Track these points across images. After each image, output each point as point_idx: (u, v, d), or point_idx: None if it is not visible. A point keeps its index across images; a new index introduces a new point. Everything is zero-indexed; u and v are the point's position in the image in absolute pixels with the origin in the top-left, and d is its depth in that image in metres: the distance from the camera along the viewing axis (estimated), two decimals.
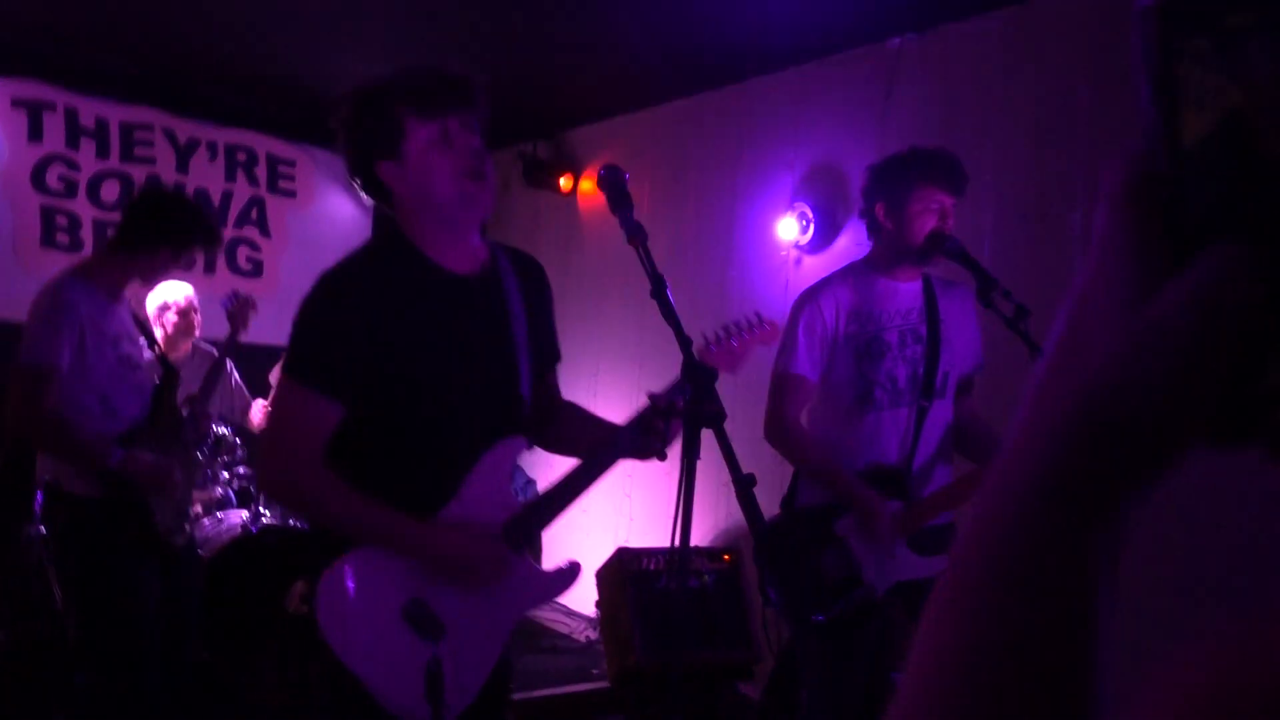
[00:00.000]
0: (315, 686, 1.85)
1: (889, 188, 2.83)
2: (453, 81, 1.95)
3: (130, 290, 3.27)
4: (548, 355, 2.24)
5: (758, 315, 2.30)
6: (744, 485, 1.61)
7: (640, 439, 2.00)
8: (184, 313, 4.12)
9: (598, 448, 2.04)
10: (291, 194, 6.32)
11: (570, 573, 2.15)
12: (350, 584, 1.88)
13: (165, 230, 3.14)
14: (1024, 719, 0.40)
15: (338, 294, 1.91)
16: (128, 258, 3.15)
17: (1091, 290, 0.43)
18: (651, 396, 2.02)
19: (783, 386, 2.87)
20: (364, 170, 2.00)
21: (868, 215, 2.91)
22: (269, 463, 1.96)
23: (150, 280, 3.28)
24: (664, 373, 5.53)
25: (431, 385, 1.93)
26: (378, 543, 1.90)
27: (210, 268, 5.98)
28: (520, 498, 6.58)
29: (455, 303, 1.99)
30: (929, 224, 2.79)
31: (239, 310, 3.85)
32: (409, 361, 1.91)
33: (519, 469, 6.55)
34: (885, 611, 2.75)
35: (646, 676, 3.90)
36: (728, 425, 1.72)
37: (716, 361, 2.10)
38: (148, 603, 3.07)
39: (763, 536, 1.64)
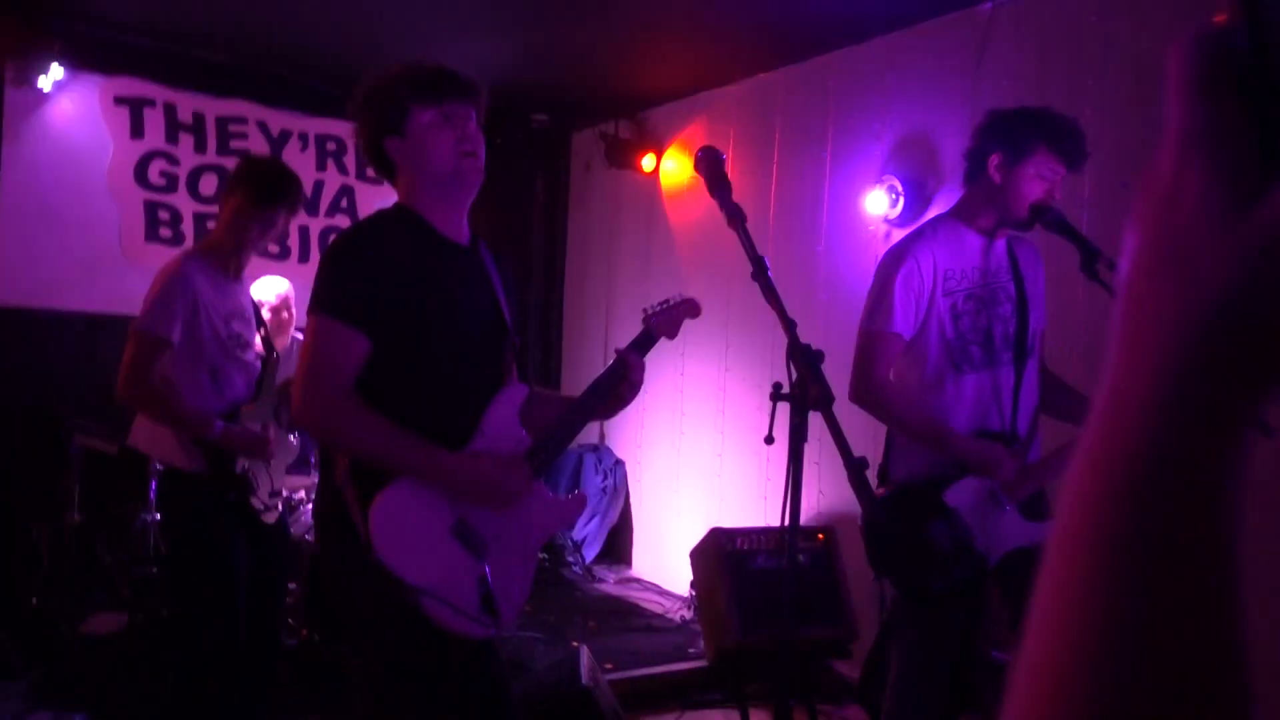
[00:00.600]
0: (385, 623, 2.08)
1: (1011, 141, 2.70)
2: (452, 74, 2.18)
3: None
4: (515, 322, 2.46)
5: (679, 295, 2.53)
6: (856, 469, 1.60)
7: (615, 385, 2.32)
8: (277, 310, 4.24)
9: (586, 396, 2.34)
10: (379, 181, 6.40)
11: (578, 500, 2.59)
12: (398, 510, 2.03)
13: (244, 179, 3.24)
14: (1180, 684, 0.37)
15: (359, 243, 2.16)
16: (222, 220, 3.27)
17: (1180, 193, 0.40)
18: (619, 351, 2.36)
19: (874, 344, 2.76)
20: (373, 147, 2.25)
21: (976, 160, 2.78)
22: (307, 395, 2.06)
23: (244, 242, 3.27)
24: (750, 352, 5.50)
25: (443, 328, 2.15)
26: (414, 471, 2.05)
27: (305, 257, 6.13)
28: (608, 479, 6.57)
29: (454, 263, 2.24)
30: (1037, 191, 2.69)
31: None
32: (423, 306, 2.12)
33: (607, 449, 6.60)
34: (1003, 582, 2.71)
35: (745, 655, 3.91)
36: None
37: (661, 329, 2.41)
38: (241, 576, 3.17)
39: (875, 516, 1.63)
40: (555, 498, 2.44)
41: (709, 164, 2.05)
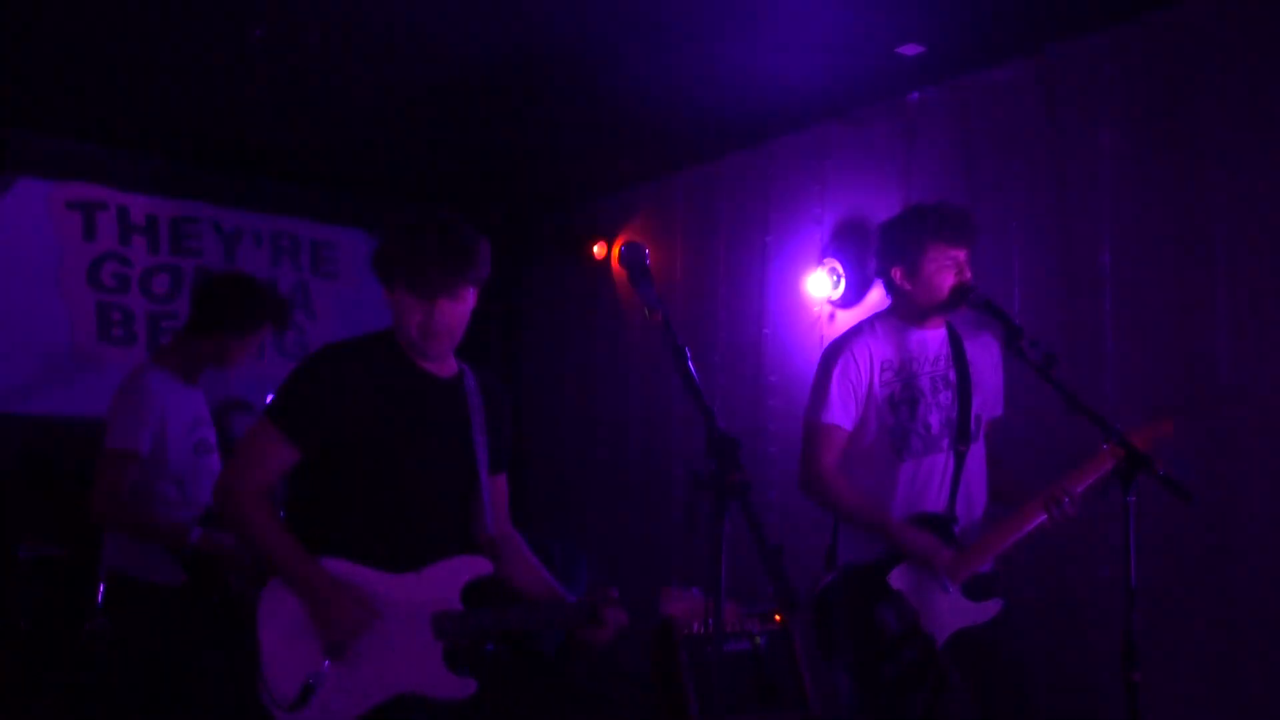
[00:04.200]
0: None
1: (900, 251, 2.87)
2: (447, 267, 2.24)
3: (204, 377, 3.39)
4: (501, 458, 2.50)
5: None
6: (769, 556, 1.63)
7: (584, 622, 2.33)
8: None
9: (543, 609, 2.39)
10: (334, 276, 6.50)
11: (467, 686, 2.25)
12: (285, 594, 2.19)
13: (233, 312, 3.26)
14: None
15: (325, 362, 2.29)
16: (200, 341, 3.28)
17: None
18: (601, 592, 2.34)
19: (817, 436, 2.87)
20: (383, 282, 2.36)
21: (884, 279, 2.95)
22: (223, 481, 2.26)
23: (223, 363, 3.33)
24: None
25: (391, 458, 2.24)
26: (283, 575, 2.19)
27: (260, 352, 6.13)
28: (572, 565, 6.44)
29: (425, 393, 2.33)
30: (948, 281, 2.82)
31: None
32: (371, 433, 2.23)
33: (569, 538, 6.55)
34: (941, 669, 2.72)
35: None
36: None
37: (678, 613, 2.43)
38: (208, 695, 3.12)
39: (795, 602, 1.66)
40: (444, 670, 2.24)
41: (630, 259, 2.11)
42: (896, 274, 2.89)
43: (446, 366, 2.41)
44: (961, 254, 2.83)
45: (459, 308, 2.30)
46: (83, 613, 4.37)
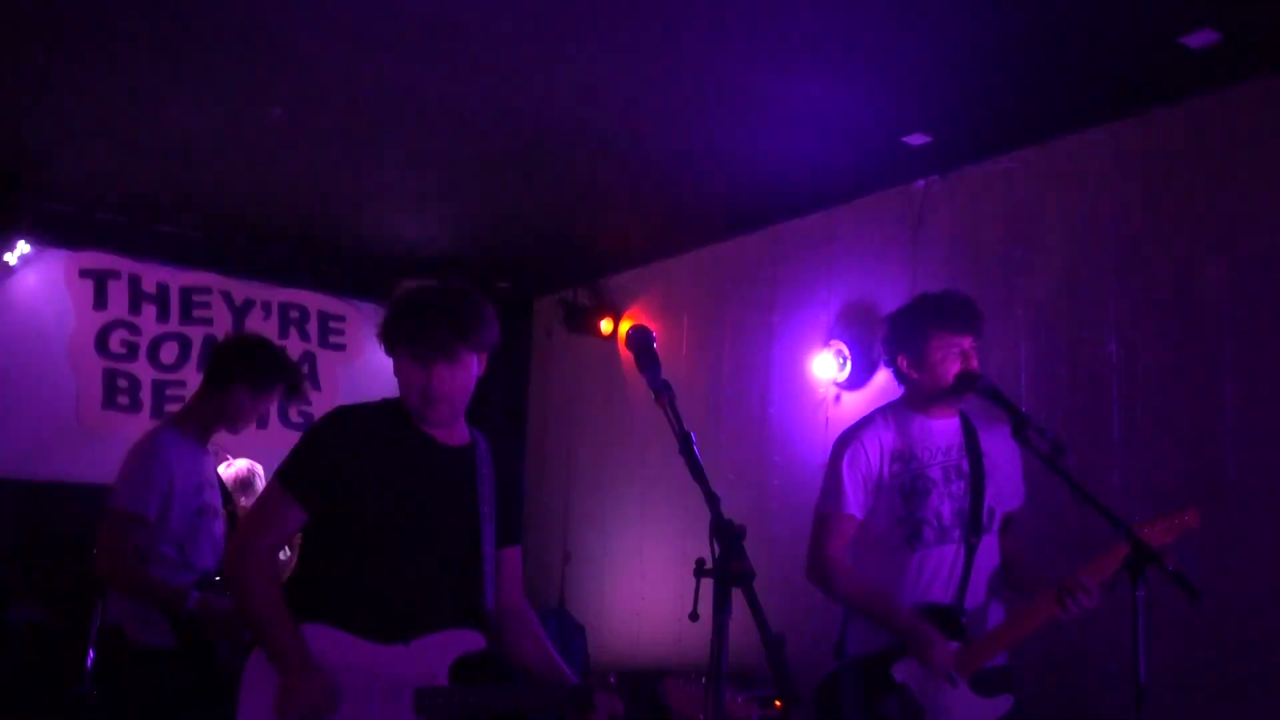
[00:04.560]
0: None
1: (906, 340, 2.88)
2: (444, 330, 2.23)
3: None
4: (512, 530, 2.43)
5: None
6: (773, 647, 1.61)
7: (577, 708, 2.24)
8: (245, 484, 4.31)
9: (534, 690, 2.32)
10: (341, 347, 6.53)
11: None
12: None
13: (246, 368, 3.29)
14: None
15: (334, 426, 2.30)
16: (214, 397, 3.30)
17: None
18: (598, 678, 2.29)
19: (827, 526, 2.85)
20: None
21: (893, 369, 2.96)
22: (234, 540, 2.31)
23: (235, 423, 3.34)
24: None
25: (394, 523, 2.22)
26: (260, 639, 2.17)
27: (264, 423, 6.13)
28: (568, 647, 6.35)
29: (430, 459, 2.30)
30: (953, 369, 2.82)
31: None
32: (376, 497, 2.22)
33: (566, 613, 6.47)
34: None
35: None
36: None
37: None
38: None
39: (795, 694, 1.63)
40: None
41: (638, 342, 2.12)
42: (903, 362, 2.90)
43: (456, 434, 2.38)
44: (967, 342, 2.84)
45: (459, 374, 2.27)
46: (68, 678, 4.31)
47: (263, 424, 6.01)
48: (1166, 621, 3.06)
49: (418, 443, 2.31)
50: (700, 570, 1.79)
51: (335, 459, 2.23)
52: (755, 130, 4.30)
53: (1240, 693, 3.34)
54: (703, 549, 1.80)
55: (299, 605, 2.20)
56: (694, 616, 1.79)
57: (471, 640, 2.25)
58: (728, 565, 1.73)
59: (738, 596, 1.72)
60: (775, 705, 4.26)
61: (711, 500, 1.84)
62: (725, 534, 1.77)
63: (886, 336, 2.96)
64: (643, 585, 5.97)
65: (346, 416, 2.32)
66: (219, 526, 3.34)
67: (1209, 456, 3.52)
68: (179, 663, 3.06)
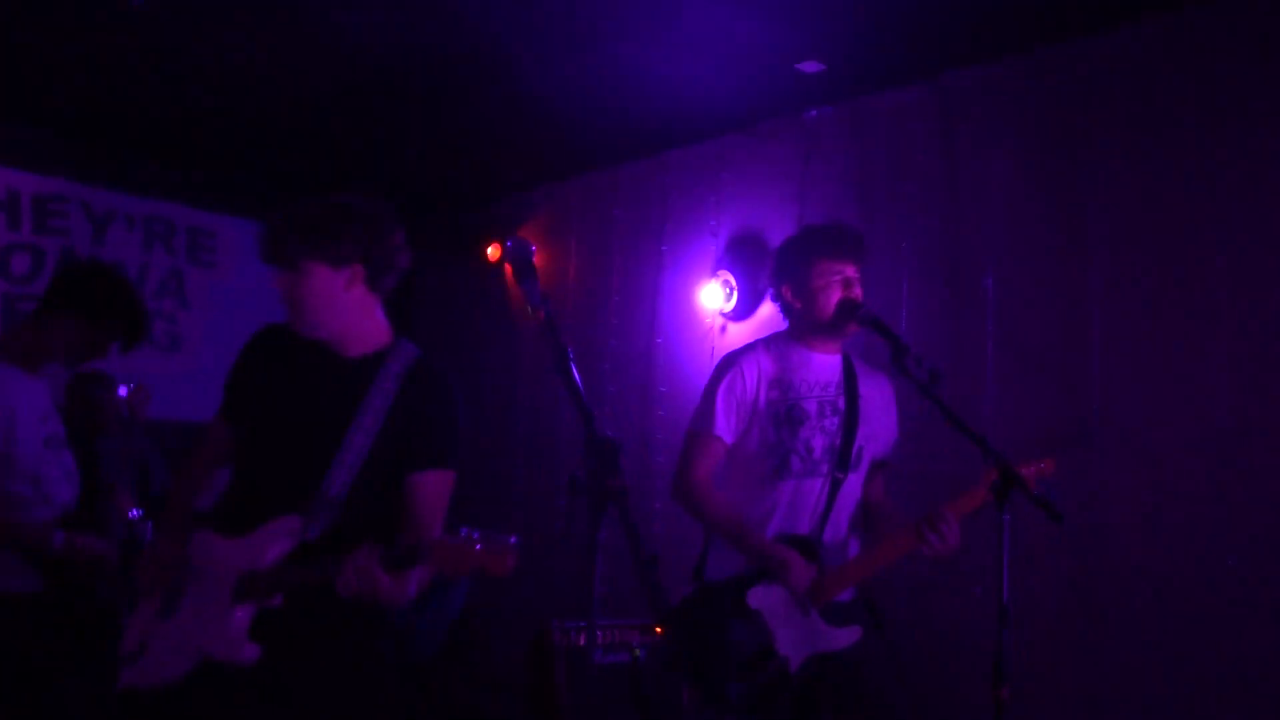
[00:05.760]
0: None
1: (790, 268, 2.89)
2: (273, 249, 2.31)
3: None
4: (416, 456, 2.27)
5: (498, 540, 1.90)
6: (644, 567, 1.58)
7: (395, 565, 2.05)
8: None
9: (339, 561, 2.18)
10: (212, 265, 6.22)
11: (249, 651, 2.12)
12: None
13: (81, 300, 2.93)
14: None
15: (248, 344, 2.44)
16: (42, 328, 2.95)
17: None
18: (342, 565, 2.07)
19: (696, 446, 2.86)
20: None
21: (778, 299, 2.96)
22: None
23: (69, 361, 3.02)
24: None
25: (263, 423, 2.32)
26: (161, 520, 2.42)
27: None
28: None
29: (312, 369, 2.32)
30: (834, 295, 2.82)
31: (136, 401, 3.79)
32: (258, 403, 2.33)
33: None
34: (803, 689, 2.70)
35: None
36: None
37: (444, 561, 1.89)
38: (68, 712, 2.89)
39: (667, 616, 1.61)
40: (239, 639, 2.13)
41: (516, 254, 2.04)
42: (787, 292, 2.90)
43: (359, 345, 2.32)
44: (849, 269, 2.84)
45: (302, 282, 2.26)
46: None
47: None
48: (1027, 547, 3.18)
49: (307, 354, 2.33)
50: (574, 487, 1.74)
51: (240, 375, 2.39)
52: (648, 51, 4.19)
53: (1100, 616, 3.50)
54: (573, 473, 1.74)
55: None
56: (565, 535, 1.75)
57: (288, 525, 2.16)
58: (602, 481, 1.69)
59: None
60: (655, 631, 4.31)
61: (586, 415, 1.79)
62: (600, 449, 1.72)
63: (774, 266, 2.96)
64: (521, 513, 5.93)
65: (260, 334, 2.43)
66: (68, 456, 3.04)
67: (1077, 391, 3.64)
68: (48, 608, 2.84)
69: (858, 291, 2.84)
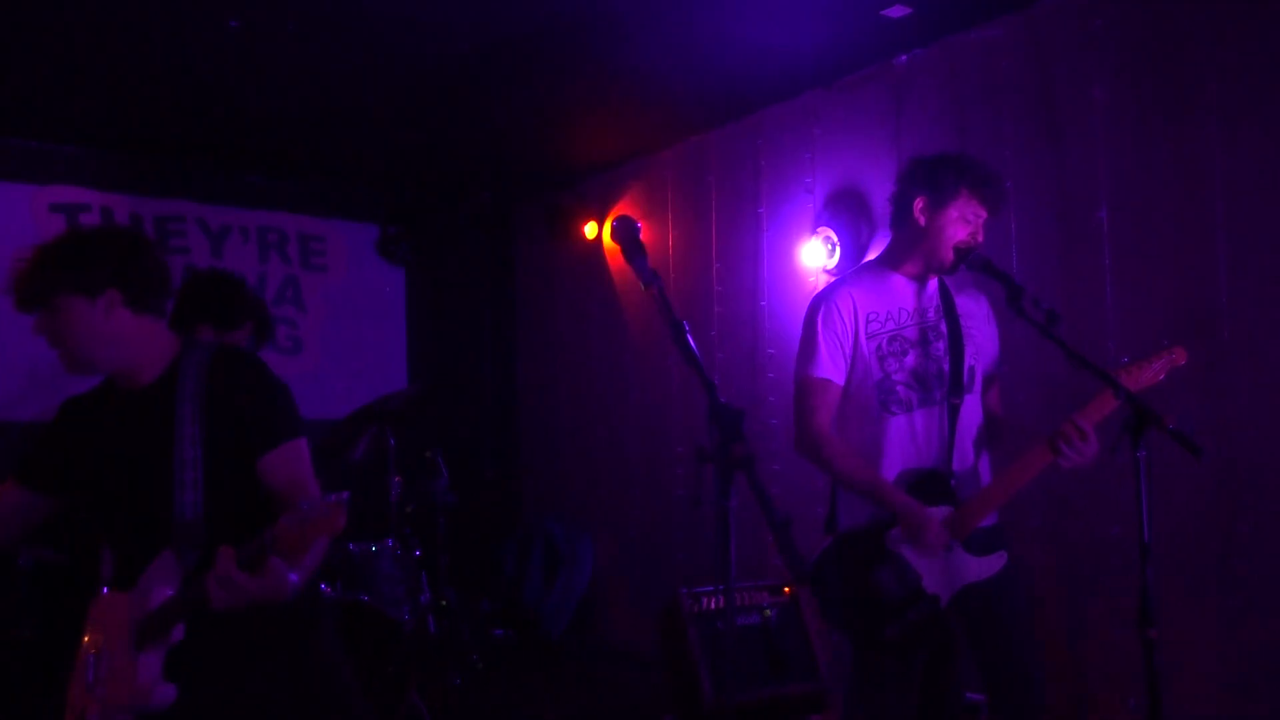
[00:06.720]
0: None
1: (934, 185, 2.74)
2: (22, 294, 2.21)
3: None
4: (255, 439, 2.18)
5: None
6: (779, 530, 1.60)
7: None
8: None
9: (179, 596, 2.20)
10: (324, 269, 6.44)
11: (166, 694, 2.04)
12: None
13: (210, 308, 3.14)
14: None
15: (47, 426, 2.37)
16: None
17: None
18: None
19: (807, 393, 2.78)
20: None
21: (901, 205, 2.82)
22: None
23: None
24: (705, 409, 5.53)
25: (101, 479, 2.25)
26: None
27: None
28: (569, 547, 6.31)
29: (117, 411, 2.27)
30: (961, 233, 2.73)
31: None
32: (85, 464, 2.27)
33: (568, 519, 6.52)
34: (946, 628, 2.68)
35: (717, 717, 3.86)
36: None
37: (287, 541, 1.78)
38: None
39: (807, 575, 1.63)
40: (158, 684, 2.05)
41: (623, 233, 2.07)
42: (918, 203, 2.75)
43: (149, 370, 2.25)
44: (984, 215, 2.76)
45: (58, 317, 2.17)
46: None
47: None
48: (1163, 483, 3.08)
49: (109, 399, 2.30)
50: (701, 456, 1.77)
51: (44, 448, 2.33)
52: (731, 13, 4.16)
53: (1243, 548, 3.39)
54: (699, 442, 1.77)
55: None
56: (695, 503, 1.78)
57: (164, 563, 2.11)
58: (728, 449, 1.71)
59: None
60: (784, 591, 4.34)
61: (709, 386, 1.81)
62: (723, 418, 1.74)
63: (912, 173, 2.81)
64: (640, 485, 6.01)
65: (60, 408, 2.37)
66: None
67: (1202, 318, 3.50)
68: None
69: (981, 238, 2.77)
